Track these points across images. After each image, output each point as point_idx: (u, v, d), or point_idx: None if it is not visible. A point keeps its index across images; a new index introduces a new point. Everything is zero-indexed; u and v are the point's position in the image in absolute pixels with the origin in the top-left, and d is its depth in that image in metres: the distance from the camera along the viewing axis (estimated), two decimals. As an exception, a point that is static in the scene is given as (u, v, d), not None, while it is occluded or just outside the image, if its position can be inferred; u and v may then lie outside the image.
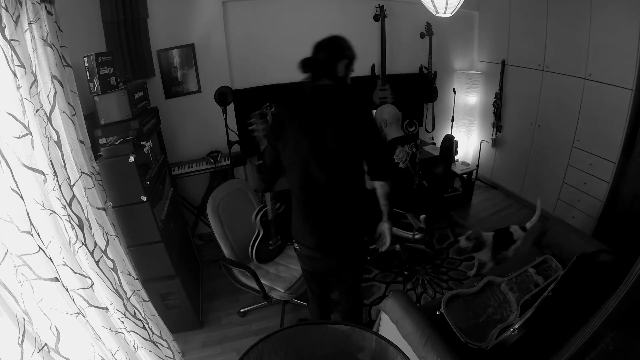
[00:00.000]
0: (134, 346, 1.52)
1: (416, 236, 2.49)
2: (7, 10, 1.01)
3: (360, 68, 3.37)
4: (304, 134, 1.46)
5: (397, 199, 2.57)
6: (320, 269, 1.74)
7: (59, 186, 1.17)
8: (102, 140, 1.86)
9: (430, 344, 1.32)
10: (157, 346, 1.71)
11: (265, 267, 2.24)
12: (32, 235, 0.96)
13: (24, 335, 0.86)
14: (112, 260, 1.48)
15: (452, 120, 3.85)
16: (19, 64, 1.04)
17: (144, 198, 1.84)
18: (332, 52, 1.55)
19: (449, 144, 2.60)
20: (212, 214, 2.11)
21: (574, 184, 2.97)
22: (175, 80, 2.85)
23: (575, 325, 1.34)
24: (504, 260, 2.43)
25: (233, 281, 2.18)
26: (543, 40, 3.01)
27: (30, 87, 1.09)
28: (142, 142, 1.96)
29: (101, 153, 1.75)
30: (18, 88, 1.02)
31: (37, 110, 1.12)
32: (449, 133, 3.73)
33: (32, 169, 1.02)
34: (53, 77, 1.23)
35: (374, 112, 2.58)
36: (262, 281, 2.04)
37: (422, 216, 2.52)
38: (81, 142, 1.40)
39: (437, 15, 2.14)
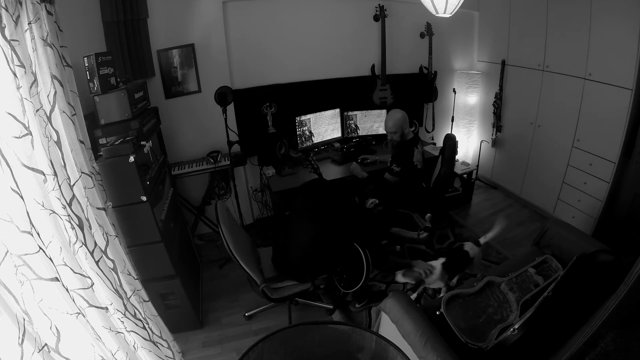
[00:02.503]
0: (134, 346, 1.52)
1: (421, 235, 2.50)
2: (7, 10, 1.01)
3: (361, 68, 3.41)
4: None
5: (405, 200, 2.60)
6: None
7: (59, 186, 1.17)
8: (102, 140, 1.85)
9: (430, 344, 1.32)
10: (157, 346, 1.71)
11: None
12: (32, 235, 0.96)
13: (24, 335, 0.86)
14: (112, 260, 1.48)
15: (452, 120, 3.85)
16: (19, 64, 1.04)
17: (144, 198, 1.84)
18: None
19: (452, 143, 2.59)
20: (235, 247, 1.88)
21: (574, 184, 2.97)
22: (175, 80, 2.84)
23: (575, 325, 1.34)
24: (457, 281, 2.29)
25: (267, 300, 2.06)
26: (543, 40, 3.01)
27: (30, 87, 1.09)
28: (142, 142, 1.96)
29: (101, 153, 1.75)
30: (18, 88, 1.02)
31: (37, 110, 1.12)
32: (450, 132, 3.73)
33: (32, 169, 1.02)
34: (53, 77, 1.23)
35: (393, 120, 2.59)
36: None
37: (428, 215, 2.52)
38: (81, 142, 1.41)
39: (437, 15, 2.14)
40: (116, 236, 1.57)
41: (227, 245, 1.87)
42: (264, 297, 2.03)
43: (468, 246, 2.24)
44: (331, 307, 2.40)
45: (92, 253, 1.30)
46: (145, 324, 1.62)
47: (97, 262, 1.32)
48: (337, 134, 3.37)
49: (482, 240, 2.24)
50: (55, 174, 1.15)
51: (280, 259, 2.19)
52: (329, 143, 3.34)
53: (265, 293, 2.02)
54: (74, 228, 1.22)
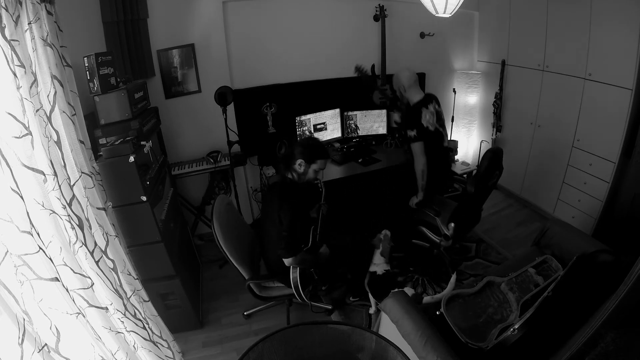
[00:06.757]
0: (134, 346, 1.52)
1: (442, 242, 2.39)
2: (7, 10, 1.01)
3: (361, 68, 3.41)
4: None
5: (436, 173, 2.47)
6: None
7: (59, 186, 1.17)
8: (102, 140, 1.85)
9: (430, 344, 1.32)
10: (157, 346, 1.71)
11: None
12: (32, 235, 0.96)
13: (24, 335, 0.86)
14: (112, 260, 1.48)
15: (452, 120, 3.85)
16: (19, 64, 1.04)
17: (144, 198, 1.84)
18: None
19: (500, 153, 2.21)
20: (224, 240, 1.89)
21: (574, 184, 2.97)
22: (175, 80, 2.84)
23: (575, 325, 1.35)
24: None
25: (261, 300, 2.10)
26: (543, 40, 3.01)
27: (30, 87, 1.09)
28: (142, 142, 1.96)
29: (101, 153, 1.75)
30: (18, 88, 1.02)
31: (37, 110, 1.12)
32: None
33: (32, 169, 1.02)
34: (53, 77, 1.23)
35: (394, 80, 2.54)
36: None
37: (451, 224, 2.31)
38: (81, 142, 1.41)
39: (437, 15, 2.14)
40: (116, 236, 1.57)
41: (216, 237, 1.88)
42: (250, 293, 2.05)
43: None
44: (330, 307, 2.40)
45: (92, 253, 1.30)
46: (145, 324, 1.62)
47: (97, 262, 1.32)
48: (337, 134, 3.37)
49: (426, 300, 1.89)
50: (55, 174, 1.15)
51: (264, 260, 2.19)
52: (329, 143, 3.34)
53: (252, 289, 2.03)
54: (74, 228, 1.22)
